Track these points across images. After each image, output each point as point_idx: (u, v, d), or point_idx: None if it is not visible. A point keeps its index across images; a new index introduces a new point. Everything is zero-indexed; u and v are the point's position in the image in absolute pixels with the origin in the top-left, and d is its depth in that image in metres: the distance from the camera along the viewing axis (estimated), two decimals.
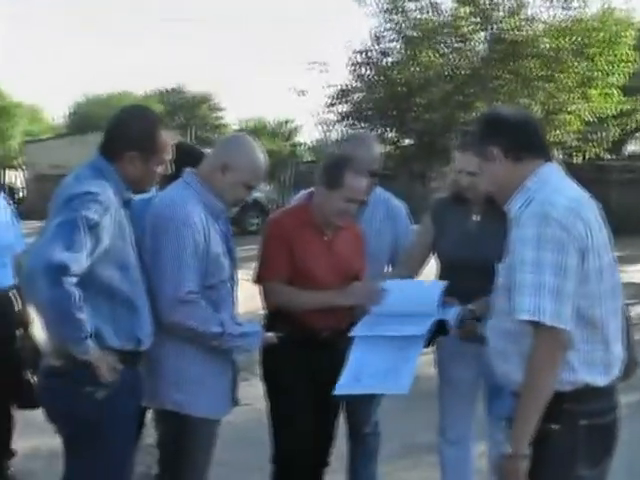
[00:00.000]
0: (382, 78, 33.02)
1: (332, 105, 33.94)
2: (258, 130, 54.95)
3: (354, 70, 33.37)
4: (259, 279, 4.45)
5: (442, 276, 4.71)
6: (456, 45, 31.88)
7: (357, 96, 33.87)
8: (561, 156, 31.72)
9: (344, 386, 4.05)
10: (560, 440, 3.08)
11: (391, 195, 5.27)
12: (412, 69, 32.19)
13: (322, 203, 4.39)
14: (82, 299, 3.28)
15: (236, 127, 54.07)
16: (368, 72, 33.35)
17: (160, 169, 3.74)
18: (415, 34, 32.02)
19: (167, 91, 61.08)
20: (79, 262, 3.26)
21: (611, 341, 3.19)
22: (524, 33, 29.90)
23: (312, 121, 35.71)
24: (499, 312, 3.26)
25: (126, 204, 3.66)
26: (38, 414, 3.88)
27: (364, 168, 4.43)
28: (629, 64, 30.04)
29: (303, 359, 4.32)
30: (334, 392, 4.05)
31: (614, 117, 30.92)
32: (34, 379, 4.55)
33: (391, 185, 29.86)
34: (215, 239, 3.91)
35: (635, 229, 26.32)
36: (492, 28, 29.96)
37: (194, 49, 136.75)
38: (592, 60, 29.85)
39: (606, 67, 29.85)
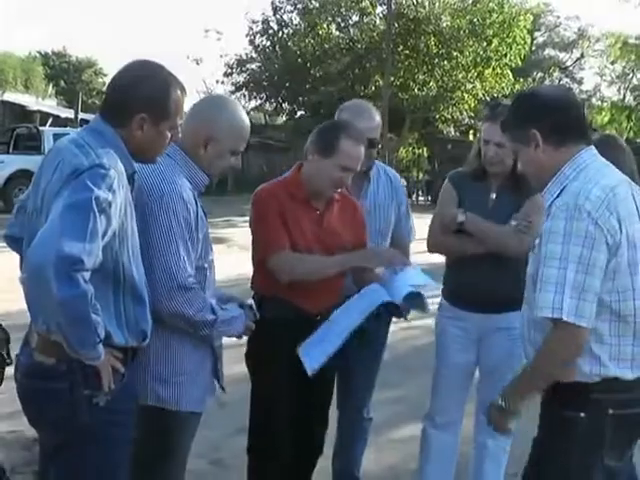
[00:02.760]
0: (279, 49, 32.94)
1: (228, 75, 33.69)
2: None
3: (252, 40, 33.21)
4: (269, 252, 4.03)
5: None
6: (355, 18, 32.09)
7: (254, 66, 33.68)
8: (457, 133, 32.37)
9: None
10: (587, 428, 3.01)
11: (386, 165, 5.00)
12: (309, 41, 32.19)
13: (315, 172, 4.06)
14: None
15: None
16: (265, 42, 33.22)
17: (170, 135, 3.20)
18: (313, 5, 32.06)
19: (49, 54, 59.24)
20: (94, 254, 2.76)
21: None
22: (424, 10, 30.26)
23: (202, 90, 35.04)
24: (530, 301, 3.11)
25: (130, 177, 3.10)
26: None
27: (361, 135, 4.09)
28: (524, 46, 30.80)
29: (294, 343, 3.97)
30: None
31: (507, 97, 31.55)
32: None
33: (286, 156, 29.40)
34: (202, 216, 3.51)
35: None
36: (392, 3, 30.10)
37: (79, 11, 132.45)
38: (488, 41, 30.54)
39: (501, 48, 30.56)
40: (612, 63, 31.25)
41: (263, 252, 4.04)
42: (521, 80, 31.93)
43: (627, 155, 4.28)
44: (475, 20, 30.29)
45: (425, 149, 34.47)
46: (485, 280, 4.34)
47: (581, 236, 2.84)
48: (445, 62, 30.60)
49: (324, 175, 4.02)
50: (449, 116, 31.10)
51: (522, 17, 30.80)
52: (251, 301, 3.87)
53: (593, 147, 3.11)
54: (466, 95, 30.53)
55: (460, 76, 30.60)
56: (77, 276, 2.69)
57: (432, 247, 4.60)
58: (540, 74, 40.90)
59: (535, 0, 34.05)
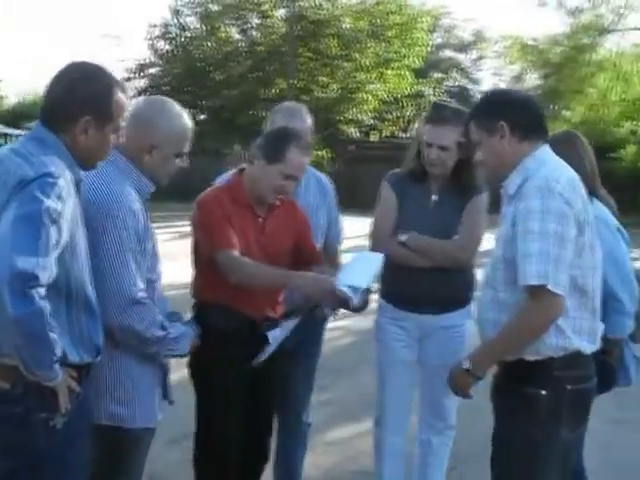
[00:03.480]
0: (180, 53, 32.62)
1: (129, 80, 33.18)
2: (37, 106, 52.67)
3: (152, 44, 32.83)
4: (219, 248, 3.91)
5: None
6: (256, 21, 32.00)
7: (154, 71, 33.29)
8: (358, 134, 32.52)
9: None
10: (547, 404, 3.22)
11: (316, 169, 4.90)
12: (210, 44, 31.97)
13: (258, 178, 4.00)
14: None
15: (14, 101, 51.53)
16: (166, 46, 32.87)
17: (114, 138, 3.08)
18: (215, 8, 31.87)
19: None
20: (49, 268, 2.62)
21: (597, 311, 3.35)
22: (325, 12, 30.36)
23: None
24: (495, 283, 3.32)
25: (76, 186, 2.93)
26: None
27: (308, 146, 4.08)
28: (423, 48, 31.17)
29: (239, 351, 3.95)
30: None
31: (409, 97, 31.89)
32: None
33: None
34: (150, 226, 3.42)
35: None
36: (293, 6, 30.08)
37: None
38: (389, 42, 30.79)
39: (402, 50, 30.84)
40: (511, 64, 31.88)
41: (212, 249, 3.93)
42: (422, 81, 32.29)
43: (588, 150, 4.27)
44: (376, 22, 30.51)
45: (327, 150, 34.54)
46: (425, 281, 4.29)
47: (555, 213, 3.10)
48: (346, 64, 30.76)
49: (267, 181, 3.97)
50: (351, 117, 31.22)
51: (422, 19, 31.19)
52: (189, 315, 3.82)
53: (548, 145, 3.38)
54: (368, 96, 30.69)
55: (361, 77, 30.79)
56: (32, 293, 2.55)
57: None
58: (439, 75, 41.33)
59: (433, 2, 34.48)
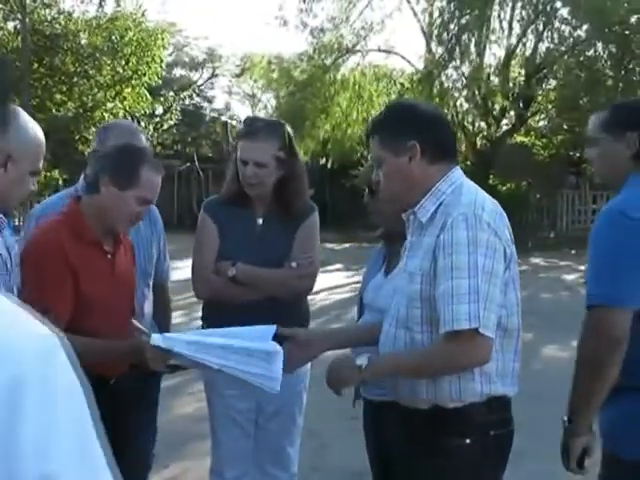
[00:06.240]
0: None
1: None
2: None
3: None
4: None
5: None
6: None
7: None
8: None
9: None
10: (471, 452, 2.97)
11: None
12: None
13: (110, 207, 3.45)
14: None
15: None
16: None
17: None
18: None
19: None
20: None
21: (519, 352, 3.08)
22: (60, 27, 29.28)
23: None
24: (409, 323, 2.96)
25: None
26: None
27: (160, 164, 3.64)
28: (160, 65, 30.80)
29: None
30: None
31: (145, 116, 31.38)
32: None
33: None
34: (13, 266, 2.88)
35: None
36: (26, 18, 28.72)
37: None
38: (126, 59, 30.13)
39: (140, 67, 30.27)
40: (255, 81, 32.05)
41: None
42: (161, 99, 31.89)
43: None
44: (113, 38, 29.77)
45: (58, 171, 33.37)
46: (254, 316, 3.65)
47: (484, 246, 2.79)
48: (84, 81, 29.78)
49: (121, 209, 3.43)
50: (90, 137, 30.27)
51: (160, 36, 30.77)
52: None
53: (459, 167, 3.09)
54: (107, 115, 29.82)
55: (99, 95, 29.92)
56: None
57: (205, 294, 4.09)
58: (172, 94, 40.88)
59: (162, 19, 34.02)
